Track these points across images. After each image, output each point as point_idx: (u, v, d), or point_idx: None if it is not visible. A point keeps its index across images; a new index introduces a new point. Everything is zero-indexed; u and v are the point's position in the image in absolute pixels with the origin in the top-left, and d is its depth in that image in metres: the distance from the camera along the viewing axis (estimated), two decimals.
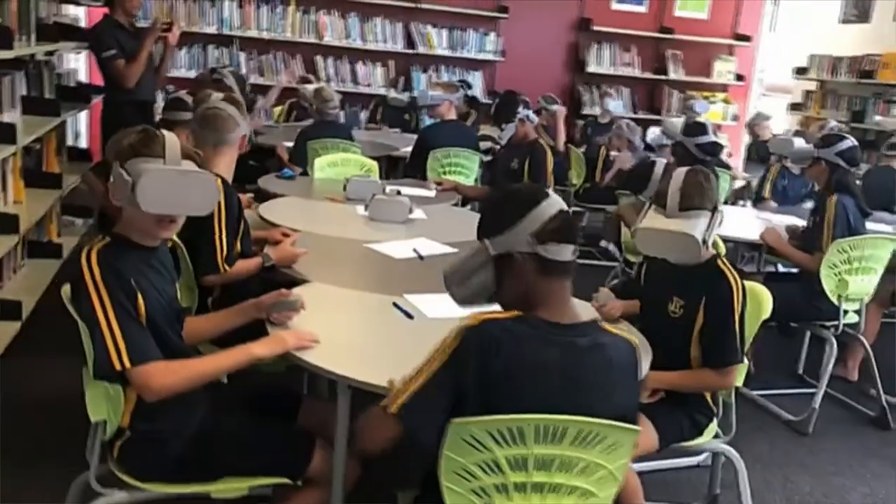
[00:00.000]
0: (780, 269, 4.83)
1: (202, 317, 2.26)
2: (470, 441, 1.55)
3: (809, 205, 4.55)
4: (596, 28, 8.60)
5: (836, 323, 3.71)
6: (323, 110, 5.08)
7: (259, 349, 2.00)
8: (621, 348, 1.66)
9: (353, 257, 3.06)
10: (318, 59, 8.10)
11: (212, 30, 7.68)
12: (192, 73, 7.42)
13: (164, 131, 1.93)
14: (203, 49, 7.75)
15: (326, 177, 4.59)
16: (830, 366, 3.67)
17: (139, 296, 1.83)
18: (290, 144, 5.13)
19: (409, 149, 6.07)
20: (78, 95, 5.22)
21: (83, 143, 6.63)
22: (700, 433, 2.48)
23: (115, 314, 1.78)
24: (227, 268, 2.61)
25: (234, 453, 2.01)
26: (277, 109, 7.34)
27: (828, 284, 3.65)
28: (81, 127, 6.74)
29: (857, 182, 4.01)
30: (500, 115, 4.46)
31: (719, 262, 2.43)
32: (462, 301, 1.76)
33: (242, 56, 7.86)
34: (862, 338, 3.84)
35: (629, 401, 1.66)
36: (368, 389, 1.89)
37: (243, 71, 7.43)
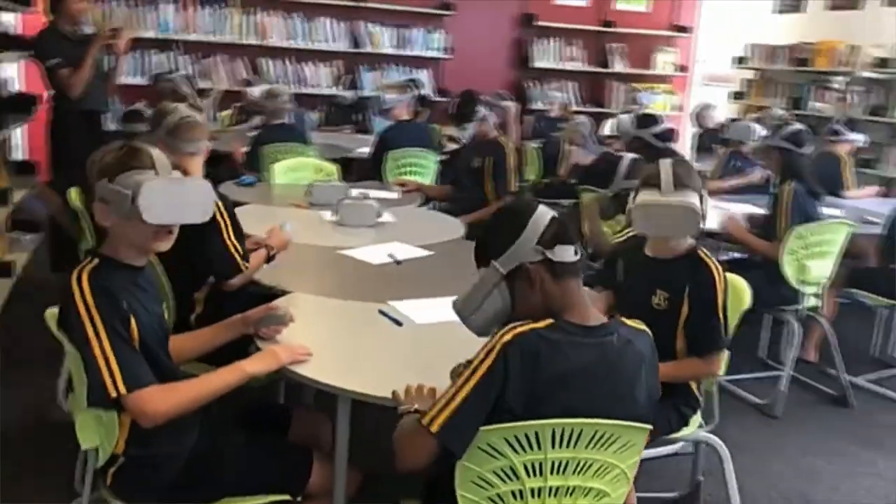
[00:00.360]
0: (736, 256, 4.94)
1: (188, 335, 2.20)
2: (486, 449, 1.55)
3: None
4: (540, 23, 8.67)
5: (798, 307, 3.82)
6: (276, 109, 5.00)
7: (253, 366, 1.96)
8: (644, 340, 1.69)
9: (329, 265, 3.02)
10: (263, 60, 7.98)
11: (152, 34, 7.49)
12: (135, 80, 7.24)
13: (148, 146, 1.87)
14: (144, 54, 7.54)
15: (286, 182, 4.53)
16: (796, 350, 3.78)
17: (132, 319, 1.77)
18: (246, 149, 5.05)
19: (364, 150, 6.04)
20: (18, 106, 5.04)
21: (20, 155, 6.40)
22: (686, 424, 2.52)
23: (109, 339, 1.72)
24: (247, 265, 2.62)
25: (232, 473, 1.96)
26: (225, 114, 7.21)
27: (788, 270, 3.75)
28: (18, 139, 6.51)
29: (810, 165, 4.13)
30: (460, 115, 4.47)
31: (700, 251, 2.47)
32: (480, 330, 1.75)
33: (185, 60, 7.69)
34: (823, 320, 3.96)
35: (655, 391, 1.70)
36: (371, 402, 1.87)
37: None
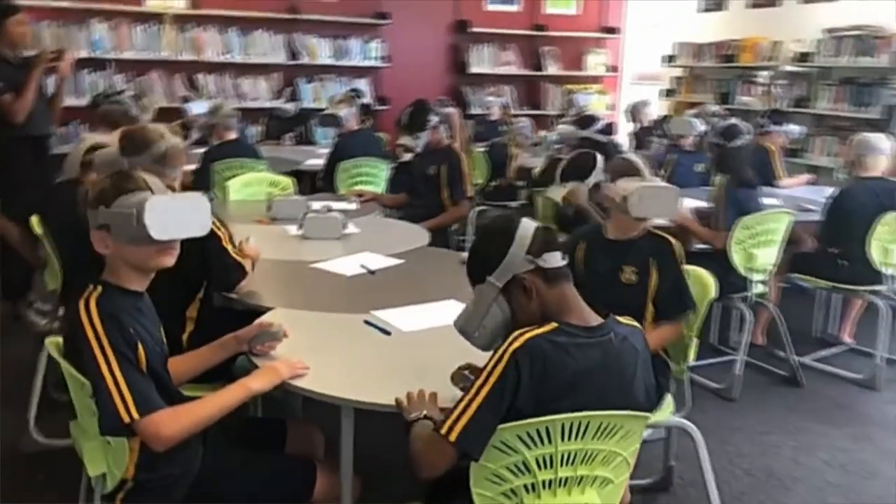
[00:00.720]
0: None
1: (184, 356, 2.22)
2: (500, 447, 1.63)
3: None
4: (474, 29, 8.81)
5: (747, 294, 4.02)
6: (225, 127, 4.99)
7: (256, 383, 2.00)
8: (638, 336, 1.80)
9: (304, 279, 3.06)
10: (200, 76, 7.90)
11: (84, 54, 7.34)
12: (70, 101, 7.07)
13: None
14: (77, 75, 7.38)
15: (240, 198, 4.53)
16: (748, 335, 3.98)
17: (139, 344, 1.80)
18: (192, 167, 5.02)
19: (312, 162, 6.07)
20: None
21: None
22: (683, 406, 2.78)
23: (119, 366, 1.74)
24: (248, 269, 2.73)
25: (240, 489, 2.00)
26: None
27: (737, 259, 3.95)
28: None
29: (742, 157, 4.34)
30: (413, 124, 4.54)
31: (655, 230, 2.75)
32: (486, 346, 1.82)
33: (119, 79, 7.56)
34: (771, 305, 4.17)
35: (651, 385, 1.80)
36: (374, 410, 1.94)
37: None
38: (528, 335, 1.65)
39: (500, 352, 1.65)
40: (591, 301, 2.52)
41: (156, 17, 7.62)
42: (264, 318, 2.36)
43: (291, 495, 2.04)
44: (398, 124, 4.99)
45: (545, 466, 1.66)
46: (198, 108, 6.72)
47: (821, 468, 3.31)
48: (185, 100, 7.09)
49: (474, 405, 1.63)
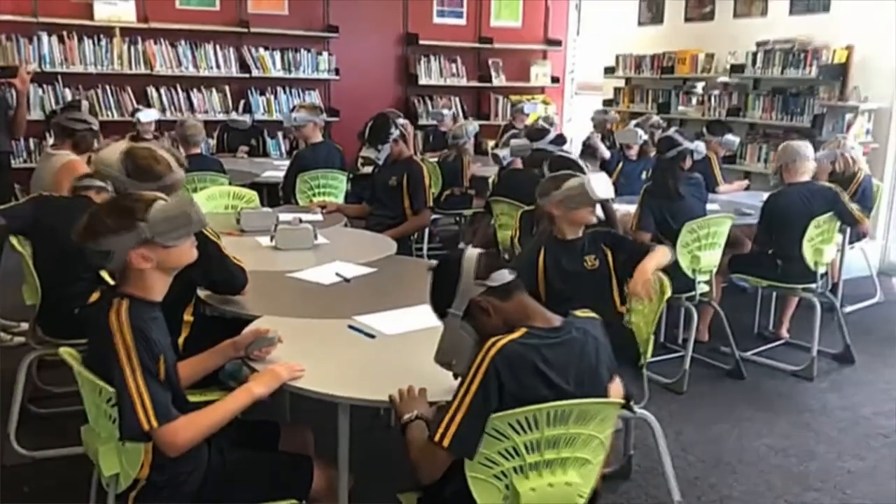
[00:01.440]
0: None
1: (185, 362, 2.34)
2: (492, 434, 1.82)
3: None
4: (422, 42, 9.01)
5: (693, 293, 4.29)
6: (190, 141, 5.08)
7: (259, 388, 2.15)
8: (596, 325, 2.02)
9: (284, 288, 3.19)
10: (150, 89, 7.92)
11: (32, 67, 7.27)
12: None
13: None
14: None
15: (205, 211, 4.61)
16: (694, 332, 4.25)
17: (161, 357, 1.95)
18: None
19: (271, 174, 6.18)
20: None
21: None
22: (642, 397, 3.06)
23: (143, 377, 1.89)
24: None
25: (245, 483, 2.15)
26: None
27: (683, 261, 4.22)
28: None
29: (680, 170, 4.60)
30: (375, 137, 4.70)
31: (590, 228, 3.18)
32: (466, 370, 1.95)
33: (68, 93, 7.54)
34: (715, 304, 4.47)
35: (612, 364, 2.04)
36: (369, 406, 2.11)
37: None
38: (501, 342, 1.83)
39: (478, 360, 1.83)
40: (568, 293, 2.96)
41: (105, 31, 7.62)
42: (259, 325, 2.50)
43: (291, 490, 2.19)
44: (360, 137, 5.14)
45: (532, 450, 1.85)
46: (147, 116, 6.77)
47: (765, 453, 3.58)
48: (136, 110, 7.09)
49: (461, 412, 1.81)
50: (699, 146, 4.70)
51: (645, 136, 5.98)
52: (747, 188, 6.53)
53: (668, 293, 2.97)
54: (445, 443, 1.81)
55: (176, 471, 2.04)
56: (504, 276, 1.98)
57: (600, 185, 3.09)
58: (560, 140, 4.93)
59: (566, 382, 1.86)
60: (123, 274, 2.01)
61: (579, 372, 1.89)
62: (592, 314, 2.07)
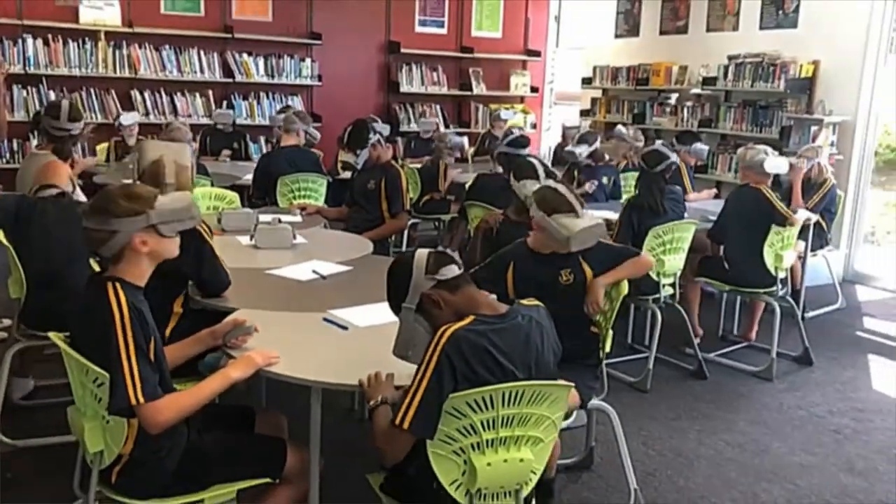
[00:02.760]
0: None
1: (167, 348, 2.47)
2: (451, 412, 1.97)
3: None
4: (404, 50, 9.18)
5: (657, 296, 4.47)
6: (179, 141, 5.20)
7: (235, 372, 2.29)
8: (540, 312, 2.19)
9: (262, 284, 3.33)
10: (134, 93, 8.03)
11: (17, 69, 7.39)
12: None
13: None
14: (9, 90, 7.42)
15: None
16: (658, 332, 4.42)
17: (152, 338, 2.09)
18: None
19: (251, 177, 6.30)
20: None
21: None
22: (602, 390, 3.16)
23: (136, 355, 2.03)
24: None
25: (220, 464, 2.28)
26: (101, 147, 7.24)
27: None
28: None
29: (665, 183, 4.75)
30: (353, 142, 4.85)
31: None
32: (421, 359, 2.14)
33: (52, 95, 7.63)
34: (679, 306, 4.64)
35: (558, 348, 2.21)
36: (340, 390, 2.25)
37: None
38: (451, 329, 2.00)
39: (431, 347, 2.00)
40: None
41: (90, 35, 7.73)
42: (237, 316, 2.64)
43: (266, 469, 2.32)
44: (339, 141, 5.29)
45: (489, 428, 2.00)
46: (129, 119, 6.89)
47: (721, 447, 3.75)
48: (118, 116, 7.20)
49: (418, 396, 1.98)
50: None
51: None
52: (717, 196, 6.75)
53: (625, 292, 3.13)
54: (405, 425, 1.97)
55: (157, 447, 2.17)
56: (453, 270, 2.15)
57: (586, 237, 3.02)
58: (522, 140, 5.09)
59: (513, 364, 2.02)
60: (118, 256, 2.15)
61: (525, 354, 2.06)
62: (537, 302, 2.23)
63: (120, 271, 2.15)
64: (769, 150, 4.96)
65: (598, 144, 6.15)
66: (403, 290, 2.16)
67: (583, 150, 5.97)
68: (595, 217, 3.10)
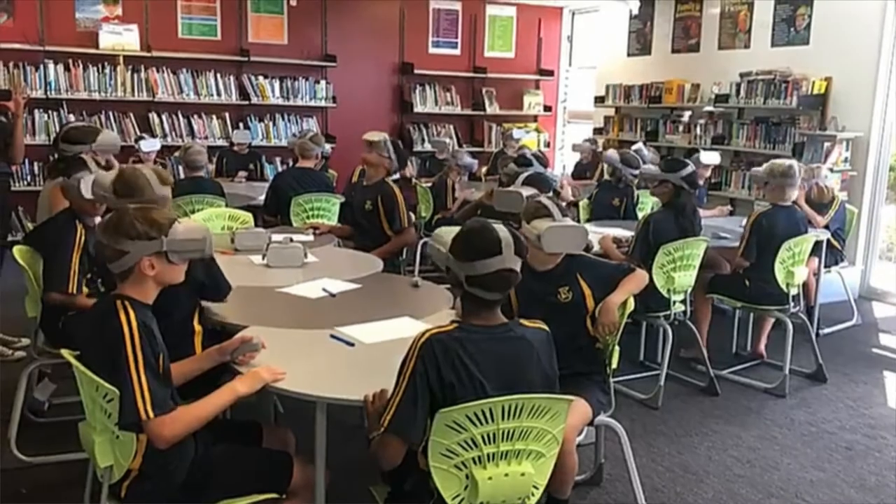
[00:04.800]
0: None
1: (175, 365, 2.52)
2: (452, 425, 2.00)
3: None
4: (417, 71, 9.28)
5: (668, 313, 4.47)
6: (193, 166, 5.31)
7: (242, 387, 2.33)
8: (536, 334, 2.23)
9: (273, 302, 3.38)
10: (152, 115, 8.18)
11: (38, 94, 7.56)
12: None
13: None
14: (31, 115, 7.58)
15: None
16: (669, 349, 4.42)
17: (161, 354, 2.15)
18: None
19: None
20: None
21: None
22: (611, 404, 3.14)
23: (146, 371, 2.08)
24: None
25: (229, 476, 2.31)
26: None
27: (658, 281, 4.40)
28: None
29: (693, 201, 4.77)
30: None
31: (565, 255, 3.10)
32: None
33: (72, 118, 7.78)
34: (690, 323, 4.64)
35: (552, 372, 2.24)
36: (345, 405, 2.29)
37: None
38: (431, 333, 2.09)
39: (409, 351, 2.08)
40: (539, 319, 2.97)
41: (110, 59, 7.89)
42: (244, 333, 2.68)
43: (272, 484, 2.36)
44: None
45: (489, 441, 2.03)
46: (148, 146, 7.00)
47: (731, 463, 3.74)
48: (139, 138, 7.33)
49: (397, 397, 2.06)
50: None
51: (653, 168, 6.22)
52: (731, 213, 6.76)
53: (631, 307, 3.15)
54: (384, 426, 2.05)
55: (165, 461, 2.21)
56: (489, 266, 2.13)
57: (560, 238, 2.95)
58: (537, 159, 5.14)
59: (484, 376, 2.07)
60: (125, 276, 2.22)
61: (503, 369, 2.11)
62: (542, 325, 2.26)
63: (128, 290, 2.21)
64: (796, 164, 4.92)
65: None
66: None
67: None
68: (573, 223, 3.09)
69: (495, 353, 2.10)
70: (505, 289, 2.16)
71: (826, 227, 5.71)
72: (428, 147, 9.06)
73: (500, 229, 2.17)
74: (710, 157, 6.62)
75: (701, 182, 6.42)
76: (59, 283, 3.35)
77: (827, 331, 5.79)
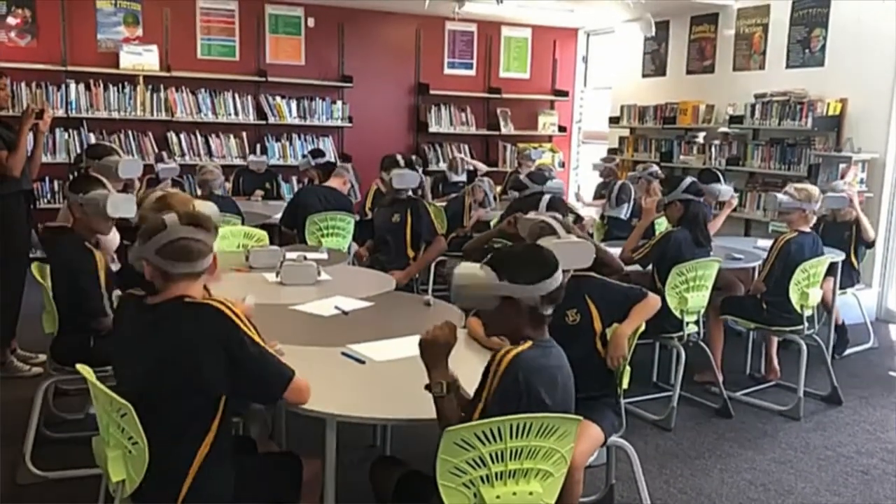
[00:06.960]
0: None
1: None
2: (460, 444, 2.01)
3: None
4: (433, 92, 9.36)
5: (681, 333, 4.46)
6: (207, 186, 5.37)
7: None
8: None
9: (286, 319, 3.40)
10: (171, 134, 8.28)
11: (59, 113, 7.68)
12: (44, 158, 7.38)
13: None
14: (51, 133, 7.70)
15: (217, 250, 4.85)
16: (681, 370, 4.40)
17: None
18: None
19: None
20: None
21: None
22: (621, 426, 3.12)
23: (264, 345, 2.23)
24: None
25: (246, 483, 2.32)
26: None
27: (671, 302, 4.39)
28: None
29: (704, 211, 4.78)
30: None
31: (573, 272, 3.06)
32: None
33: (92, 137, 7.89)
34: (703, 344, 4.62)
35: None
36: (357, 423, 2.30)
37: None
38: (515, 350, 2.08)
39: (499, 362, 2.07)
40: None
41: (130, 79, 8.01)
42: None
43: (285, 486, 2.38)
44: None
45: (497, 460, 2.04)
46: (166, 172, 6.99)
47: (745, 487, 3.71)
48: (158, 159, 7.39)
49: (481, 403, 2.08)
50: None
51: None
52: (746, 234, 6.73)
53: (642, 328, 3.15)
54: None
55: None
56: (550, 311, 2.21)
57: (566, 255, 2.75)
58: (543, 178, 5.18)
59: (557, 390, 2.12)
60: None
61: (564, 380, 2.17)
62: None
63: (189, 290, 2.28)
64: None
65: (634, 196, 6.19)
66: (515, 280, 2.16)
67: (624, 210, 6.05)
68: (577, 239, 3.09)
69: (561, 366, 2.20)
70: (561, 300, 2.25)
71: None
72: (443, 166, 9.09)
73: (544, 247, 2.36)
74: (727, 192, 6.09)
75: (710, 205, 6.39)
76: (98, 309, 3.42)
77: (843, 353, 5.74)
